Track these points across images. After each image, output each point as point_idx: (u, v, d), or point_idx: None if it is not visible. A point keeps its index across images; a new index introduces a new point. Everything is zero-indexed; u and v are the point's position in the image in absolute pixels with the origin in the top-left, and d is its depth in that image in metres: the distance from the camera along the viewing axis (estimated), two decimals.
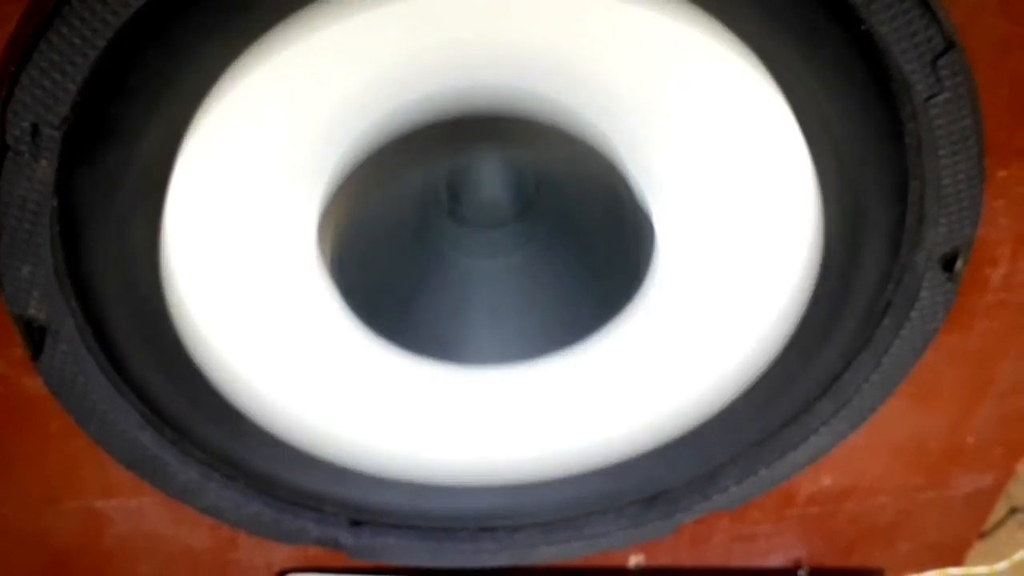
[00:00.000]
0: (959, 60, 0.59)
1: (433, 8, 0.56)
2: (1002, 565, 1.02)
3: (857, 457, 0.86)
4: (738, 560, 0.96)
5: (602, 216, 0.63)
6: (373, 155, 0.60)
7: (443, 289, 0.67)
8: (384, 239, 0.64)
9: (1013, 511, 1.09)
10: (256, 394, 0.72)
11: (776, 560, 0.97)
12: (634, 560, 0.93)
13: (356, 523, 0.81)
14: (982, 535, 1.04)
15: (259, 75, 0.56)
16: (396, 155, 0.59)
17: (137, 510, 0.82)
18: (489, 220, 0.67)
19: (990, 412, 0.84)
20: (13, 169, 0.56)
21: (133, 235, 0.61)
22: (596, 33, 0.58)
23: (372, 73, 0.58)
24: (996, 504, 0.96)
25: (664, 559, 0.94)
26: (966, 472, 0.90)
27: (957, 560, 1.01)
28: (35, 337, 0.64)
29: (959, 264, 0.68)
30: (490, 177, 0.67)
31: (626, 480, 0.81)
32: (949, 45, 0.58)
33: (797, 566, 0.98)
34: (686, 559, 0.94)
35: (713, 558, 0.95)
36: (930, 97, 0.59)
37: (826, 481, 0.89)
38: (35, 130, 0.55)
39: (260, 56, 0.56)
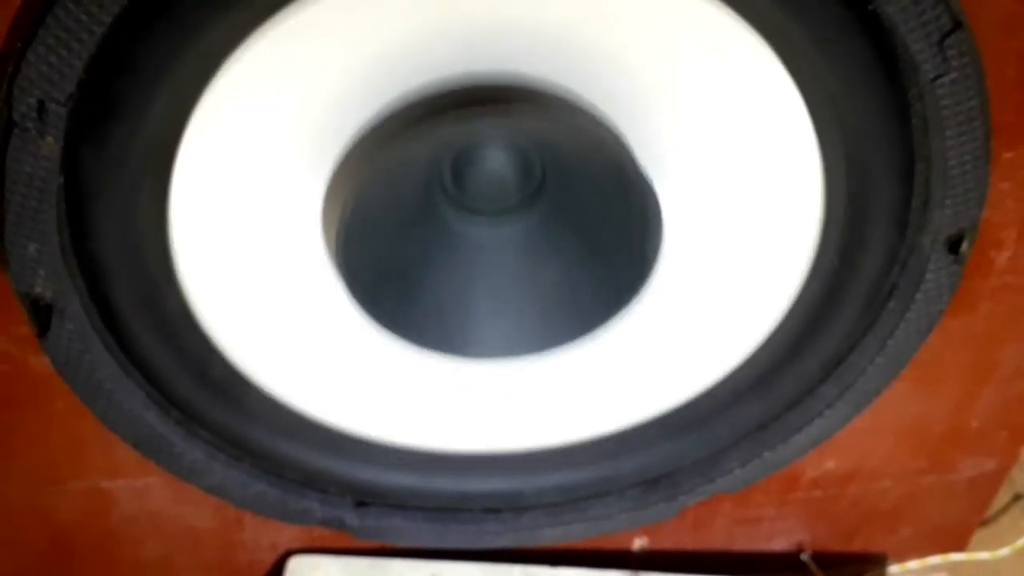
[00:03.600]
0: (966, 40, 0.58)
1: None
2: (1004, 551, 1.02)
3: (861, 441, 0.86)
4: (741, 544, 0.96)
5: (609, 202, 0.63)
6: (377, 133, 0.60)
7: (448, 280, 0.67)
8: (388, 227, 0.64)
9: (1016, 498, 1.09)
10: (260, 377, 0.72)
11: (779, 544, 0.97)
12: (637, 543, 0.94)
13: (361, 504, 0.81)
14: (985, 522, 1.04)
15: (265, 54, 0.57)
16: (400, 131, 0.59)
17: (143, 490, 0.82)
18: (495, 206, 0.67)
19: (994, 396, 0.84)
20: (19, 146, 0.56)
21: (139, 213, 0.61)
22: (602, 12, 0.58)
23: (378, 53, 0.58)
24: (999, 489, 0.96)
25: (667, 542, 0.94)
26: (969, 456, 0.90)
27: (960, 546, 1.02)
28: (41, 315, 0.64)
29: (965, 246, 0.68)
30: (495, 160, 0.66)
31: (629, 463, 0.82)
32: (956, 25, 0.58)
33: (799, 550, 0.98)
34: (689, 542, 0.95)
35: (716, 541, 0.95)
36: (937, 77, 0.59)
37: (830, 464, 0.89)
38: (41, 107, 0.55)
39: (266, 35, 0.56)
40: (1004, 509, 1.08)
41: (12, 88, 0.54)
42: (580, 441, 0.80)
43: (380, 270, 0.64)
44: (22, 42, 0.54)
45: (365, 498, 0.82)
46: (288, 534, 0.88)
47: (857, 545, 0.99)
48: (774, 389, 0.77)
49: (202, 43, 0.55)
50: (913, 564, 1.01)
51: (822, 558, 0.97)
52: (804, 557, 0.97)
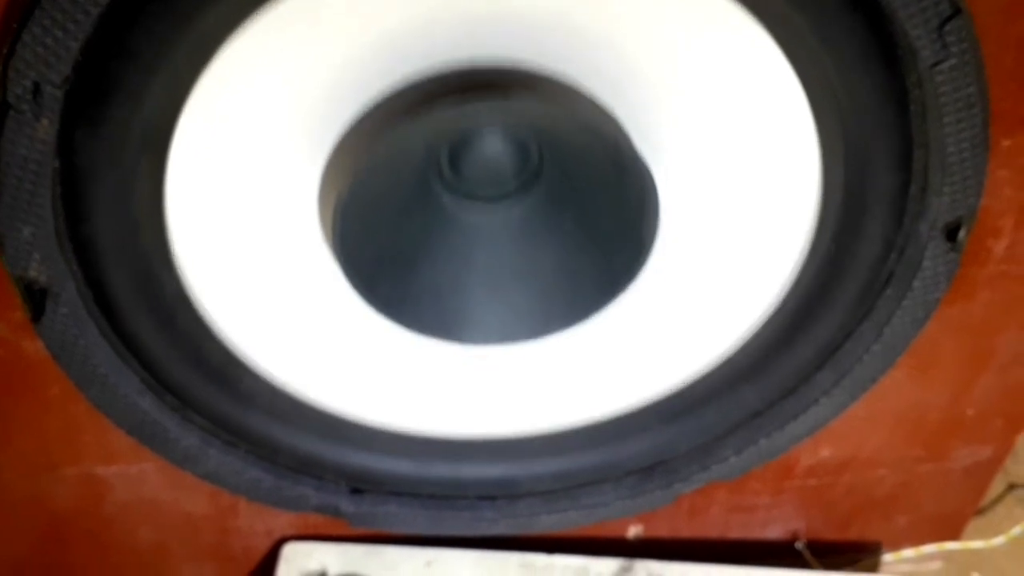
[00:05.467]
0: (966, 26, 0.58)
1: None
2: (999, 540, 1.03)
3: (856, 429, 0.86)
4: (736, 532, 0.96)
5: (606, 187, 0.63)
6: (374, 118, 0.60)
7: (445, 265, 0.67)
8: (384, 212, 0.63)
9: (1011, 487, 1.10)
10: (256, 361, 0.72)
11: (774, 532, 0.97)
12: (632, 530, 0.94)
13: (357, 491, 0.81)
14: (980, 511, 1.05)
15: (261, 38, 0.56)
16: (397, 117, 0.58)
17: (137, 476, 0.82)
18: (492, 192, 0.67)
19: (991, 384, 0.84)
20: (14, 128, 0.55)
21: (135, 196, 0.60)
22: None
23: (375, 39, 0.58)
24: (994, 478, 0.96)
25: (662, 530, 0.94)
26: (965, 444, 0.90)
27: (954, 534, 1.02)
28: (36, 299, 0.63)
29: (962, 234, 0.68)
30: (492, 146, 0.66)
31: (625, 450, 0.82)
32: (956, 11, 0.57)
33: (794, 538, 0.98)
34: (684, 530, 0.95)
35: (711, 529, 0.95)
36: (936, 63, 0.59)
37: (825, 453, 0.89)
38: (37, 89, 0.54)
39: (263, 19, 0.55)
40: (999, 498, 1.08)
41: (7, 70, 0.54)
42: (576, 427, 0.80)
43: (377, 255, 0.64)
44: (17, 23, 0.53)
45: (360, 485, 0.82)
46: (283, 521, 0.88)
47: (852, 533, 0.99)
48: (769, 376, 0.77)
49: (199, 26, 0.55)
50: (908, 552, 1.02)
51: (817, 546, 0.98)
52: (799, 545, 0.98)
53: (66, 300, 0.64)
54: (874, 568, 1.01)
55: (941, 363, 0.82)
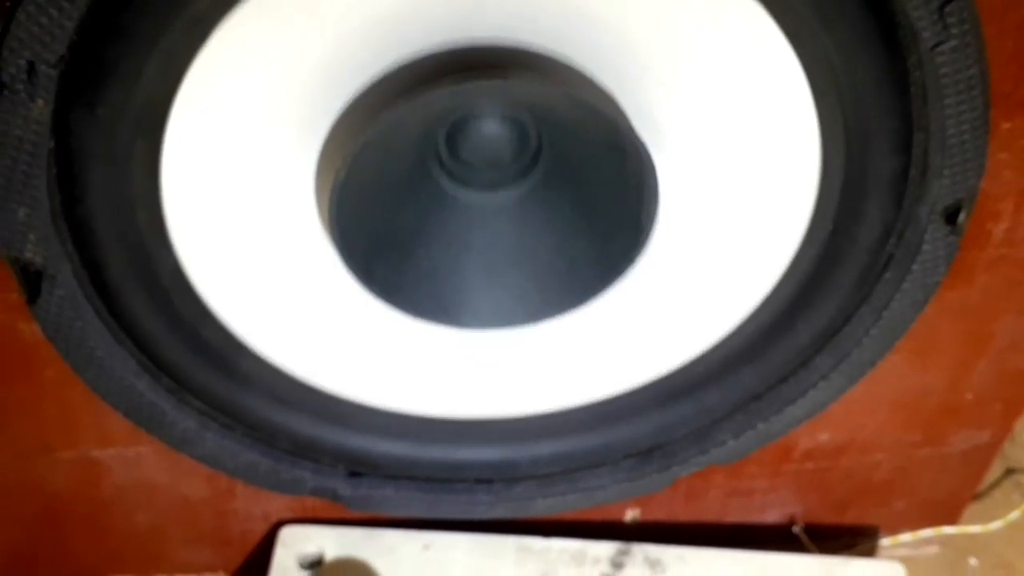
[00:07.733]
0: (967, 7, 0.58)
1: None
2: (996, 525, 1.02)
3: (855, 413, 0.86)
4: (733, 516, 0.96)
5: (606, 171, 0.62)
6: (371, 99, 0.60)
7: (442, 249, 0.66)
8: (382, 195, 0.63)
9: (1009, 472, 1.10)
10: (253, 342, 0.72)
11: (771, 516, 0.97)
12: (630, 514, 0.94)
13: (354, 474, 0.81)
14: (977, 495, 1.05)
15: (257, 18, 0.56)
16: (394, 98, 0.58)
17: (134, 459, 0.82)
18: (490, 176, 0.66)
19: (989, 368, 0.84)
20: (9, 108, 0.55)
21: (131, 177, 0.60)
22: None
23: (372, 18, 0.57)
24: (992, 462, 0.96)
25: (660, 514, 0.94)
26: (963, 429, 0.90)
27: (952, 519, 1.02)
28: (31, 281, 0.63)
29: (962, 217, 0.68)
30: (491, 129, 0.66)
31: (623, 433, 0.81)
32: None
33: (792, 522, 0.98)
34: (682, 514, 0.95)
35: (708, 513, 0.95)
36: (936, 45, 0.59)
37: (823, 436, 0.89)
38: (31, 68, 0.54)
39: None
40: (996, 483, 1.08)
41: (1, 49, 0.53)
42: (574, 409, 0.79)
43: (374, 238, 0.64)
44: (11, 1, 0.53)
45: (358, 468, 0.81)
46: (280, 504, 0.88)
47: (849, 518, 0.99)
48: (767, 359, 0.77)
49: (193, 7, 0.54)
50: (905, 537, 1.02)
51: (814, 530, 0.98)
52: (796, 529, 0.98)
53: (62, 282, 0.63)
54: (871, 552, 1.01)
55: (940, 347, 0.82)
